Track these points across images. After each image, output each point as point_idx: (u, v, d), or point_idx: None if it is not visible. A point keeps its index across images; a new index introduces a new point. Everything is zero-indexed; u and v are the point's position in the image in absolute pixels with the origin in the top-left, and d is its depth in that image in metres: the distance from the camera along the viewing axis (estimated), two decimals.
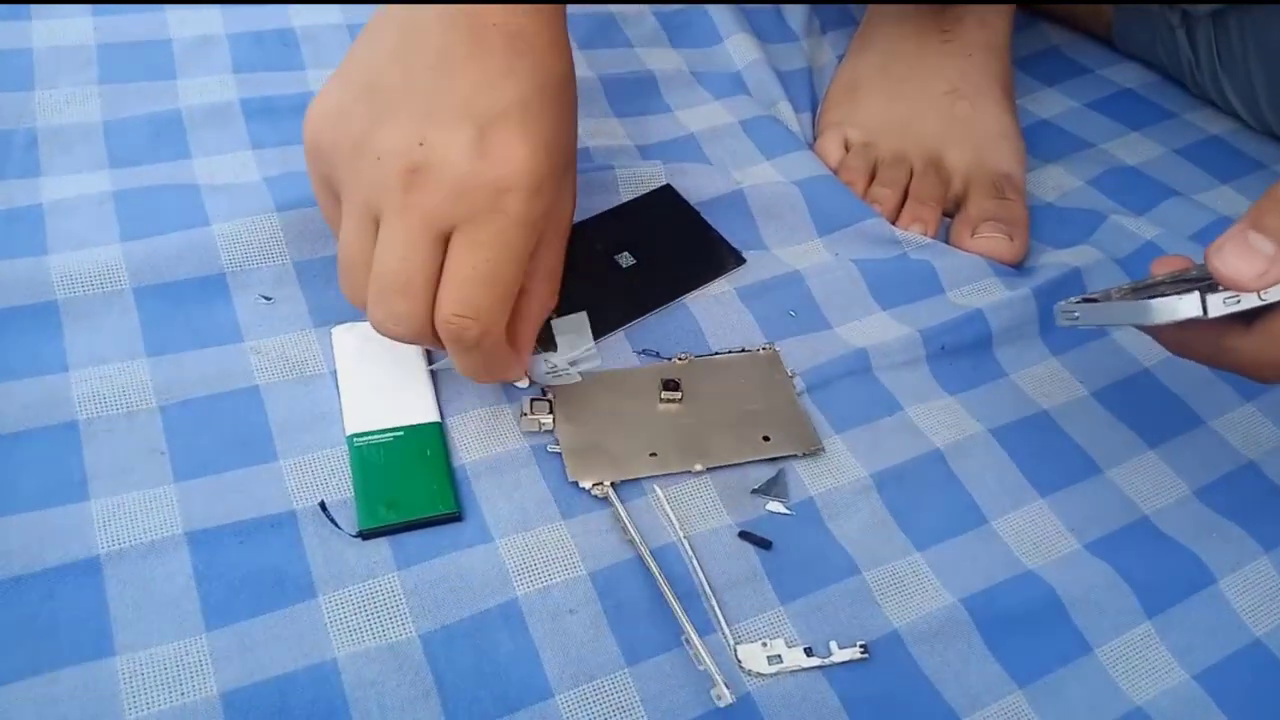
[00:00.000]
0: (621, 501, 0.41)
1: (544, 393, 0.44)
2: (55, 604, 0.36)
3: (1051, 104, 0.68)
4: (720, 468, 0.43)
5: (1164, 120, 0.67)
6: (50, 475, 0.39)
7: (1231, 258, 0.33)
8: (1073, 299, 0.39)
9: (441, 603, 0.38)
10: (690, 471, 0.43)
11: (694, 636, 0.37)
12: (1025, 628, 0.40)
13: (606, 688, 0.37)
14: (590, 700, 0.36)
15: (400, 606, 0.37)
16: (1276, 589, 0.42)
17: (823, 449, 0.45)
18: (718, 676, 0.36)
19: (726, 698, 0.36)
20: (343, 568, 0.38)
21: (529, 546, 0.40)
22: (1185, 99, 0.69)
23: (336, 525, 0.39)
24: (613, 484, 0.42)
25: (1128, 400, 0.49)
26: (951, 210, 0.58)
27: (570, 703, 0.36)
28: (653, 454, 0.43)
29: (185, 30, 0.58)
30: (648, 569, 0.40)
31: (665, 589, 0.39)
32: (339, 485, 0.41)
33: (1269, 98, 0.63)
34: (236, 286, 0.46)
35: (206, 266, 0.47)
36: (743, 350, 0.48)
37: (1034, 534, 0.43)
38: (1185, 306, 0.33)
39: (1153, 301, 0.34)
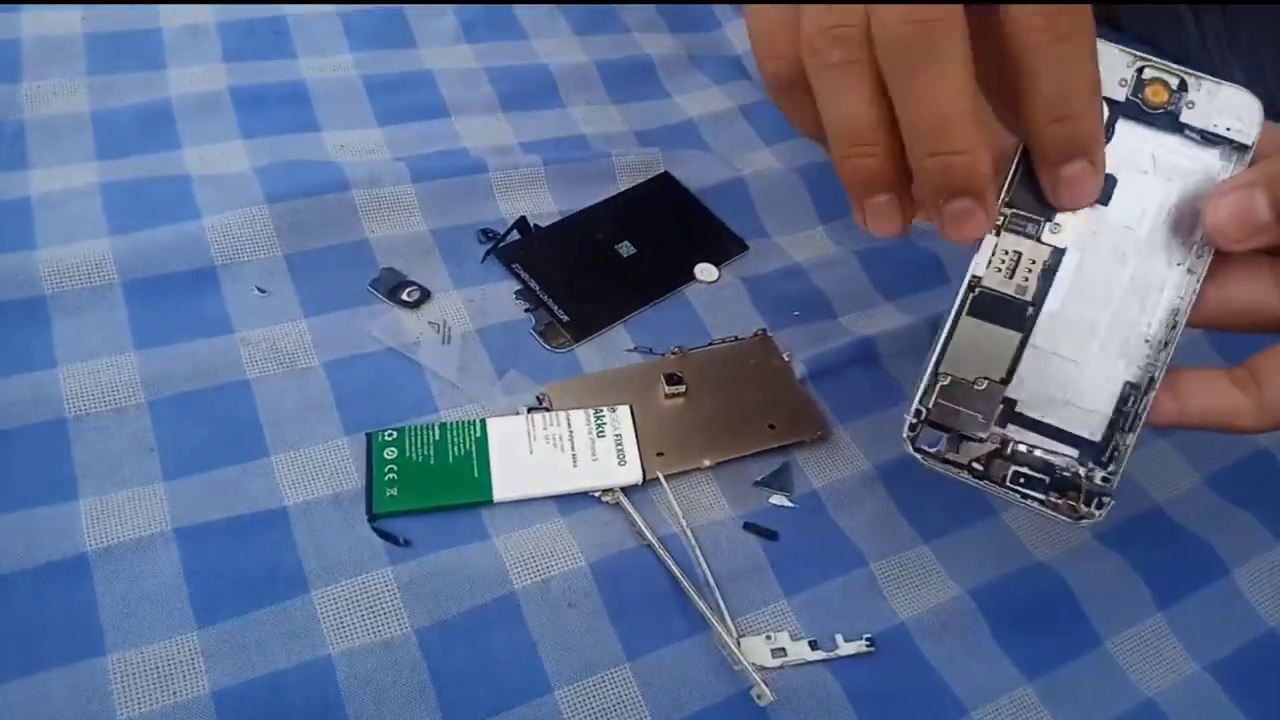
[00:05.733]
0: (627, 497, 0.41)
1: (539, 401, 0.44)
2: (44, 603, 0.35)
3: None
4: (726, 461, 0.42)
5: None
6: (38, 473, 0.38)
7: (1228, 217, 0.31)
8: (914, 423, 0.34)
9: (437, 597, 0.37)
10: (700, 468, 0.42)
11: (727, 638, 0.37)
12: (1035, 620, 0.39)
13: (607, 682, 0.36)
14: (590, 695, 0.35)
15: (395, 602, 0.37)
16: None
17: (830, 433, 0.44)
18: (755, 676, 0.36)
19: (767, 696, 0.35)
20: (335, 563, 0.37)
21: (527, 539, 0.39)
22: None
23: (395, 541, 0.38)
24: (623, 489, 0.41)
25: None
26: None
27: (570, 698, 0.35)
28: (659, 453, 0.42)
29: (174, 19, 0.57)
30: (649, 561, 0.39)
31: (687, 586, 0.38)
32: (330, 480, 0.40)
33: (1279, 80, 0.62)
34: (227, 279, 0.46)
35: (197, 260, 0.46)
36: (735, 339, 0.47)
37: (1043, 524, 0.42)
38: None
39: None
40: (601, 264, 0.50)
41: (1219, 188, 0.32)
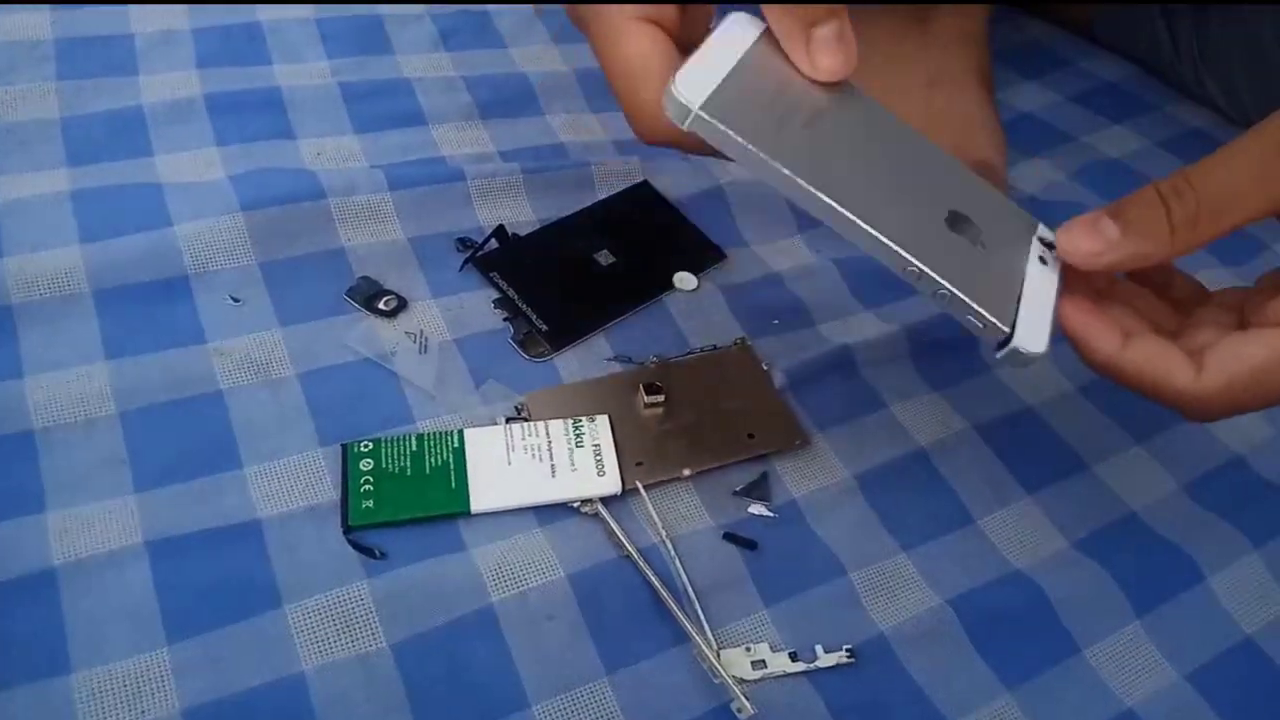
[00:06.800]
0: (606, 508, 0.40)
1: (518, 411, 0.43)
2: (8, 619, 0.34)
3: (1033, 97, 0.67)
4: (705, 470, 0.42)
5: (1146, 113, 0.66)
6: (5, 486, 0.38)
7: (1078, 237, 0.34)
8: None
9: (413, 611, 0.36)
10: (679, 478, 0.42)
11: (707, 650, 0.36)
12: (1014, 628, 0.39)
13: (586, 697, 0.35)
14: (569, 710, 0.35)
15: (370, 615, 0.36)
16: (1266, 586, 0.42)
17: (809, 442, 0.44)
18: (735, 689, 0.35)
19: (748, 710, 0.35)
20: (310, 576, 0.37)
21: (505, 550, 0.39)
22: (1166, 91, 0.68)
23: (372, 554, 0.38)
24: (602, 499, 0.41)
25: (1114, 395, 0.48)
26: None
27: (548, 713, 0.35)
28: (639, 463, 0.42)
29: (148, 25, 0.57)
30: (628, 572, 0.39)
31: (666, 598, 0.38)
32: (305, 492, 0.39)
33: (1250, 90, 0.62)
34: (200, 289, 0.45)
35: (169, 269, 0.45)
36: (715, 348, 0.47)
37: (1021, 533, 0.42)
38: None
39: None
40: (580, 273, 0.50)
41: (1071, 220, 0.34)
